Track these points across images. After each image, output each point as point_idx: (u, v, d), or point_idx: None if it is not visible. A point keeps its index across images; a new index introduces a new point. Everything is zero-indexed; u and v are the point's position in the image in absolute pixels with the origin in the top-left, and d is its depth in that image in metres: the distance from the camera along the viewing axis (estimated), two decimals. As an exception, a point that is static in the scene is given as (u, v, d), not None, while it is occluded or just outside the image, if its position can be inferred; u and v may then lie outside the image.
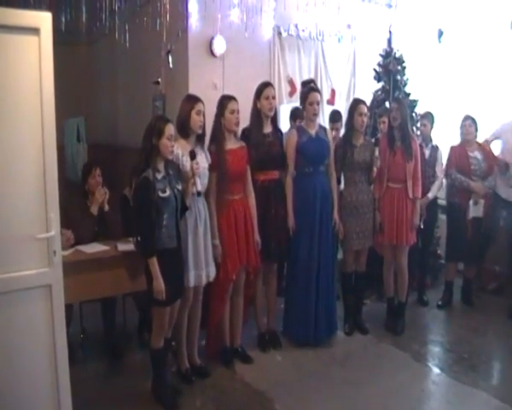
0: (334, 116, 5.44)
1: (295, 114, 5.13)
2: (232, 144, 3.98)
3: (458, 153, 5.29)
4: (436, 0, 6.54)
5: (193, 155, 3.56)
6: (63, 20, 5.61)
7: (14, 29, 2.72)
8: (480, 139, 5.36)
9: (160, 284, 3.30)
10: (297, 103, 5.03)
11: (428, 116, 5.52)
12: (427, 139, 5.50)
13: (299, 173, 4.36)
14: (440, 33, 6.48)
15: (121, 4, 5.60)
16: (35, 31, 2.78)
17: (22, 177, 2.81)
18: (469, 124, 5.22)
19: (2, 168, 2.74)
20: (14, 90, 2.76)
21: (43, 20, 2.82)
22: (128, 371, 4.09)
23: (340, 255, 4.84)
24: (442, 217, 5.73)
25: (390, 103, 5.71)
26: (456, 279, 5.51)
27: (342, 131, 5.26)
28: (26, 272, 2.81)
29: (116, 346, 4.31)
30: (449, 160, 5.37)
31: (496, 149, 5.42)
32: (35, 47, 2.80)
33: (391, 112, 4.71)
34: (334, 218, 4.44)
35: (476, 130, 5.26)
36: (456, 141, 5.42)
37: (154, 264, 3.30)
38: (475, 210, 5.20)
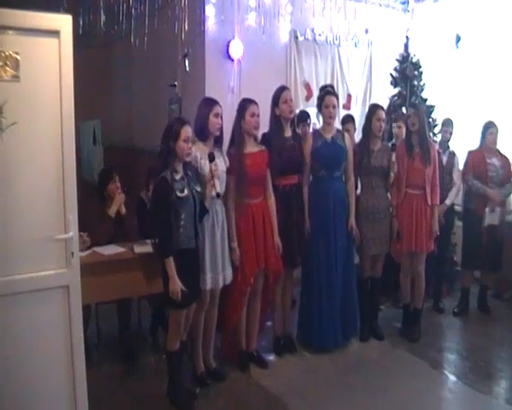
0: (344, 119, 5.45)
1: (301, 118, 5.11)
2: (252, 148, 3.98)
3: (476, 158, 5.25)
4: (453, 5, 6.50)
5: (212, 157, 3.57)
6: (81, 23, 5.65)
7: (35, 31, 2.76)
8: (500, 146, 5.30)
9: (176, 284, 3.30)
10: (313, 108, 5.02)
11: (450, 123, 5.49)
12: (444, 146, 5.47)
13: (314, 178, 4.36)
14: (458, 38, 6.44)
15: (138, 7, 5.61)
16: (55, 33, 2.81)
17: (41, 178, 2.84)
18: (495, 132, 5.18)
19: (21, 170, 2.77)
20: (34, 91, 2.79)
21: (64, 22, 2.85)
22: (143, 373, 4.10)
23: (356, 261, 4.81)
24: (458, 223, 5.68)
25: (406, 109, 5.69)
26: (472, 287, 5.46)
27: (355, 134, 5.27)
28: (44, 273, 2.83)
29: (131, 348, 4.32)
30: (466, 164, 5.33)
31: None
32: (55, 49, 2.83)
33: (408, 117, 4.68)
34: (350, 223, 4.41)
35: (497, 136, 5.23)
36: (474, 146, 5.38)
37: (171, 264, 3.30)
38: (491, 217, 5.15)
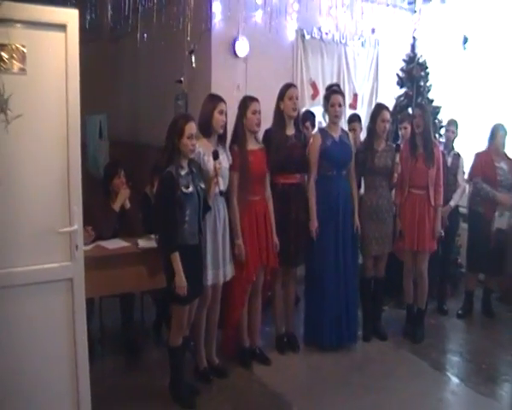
0: (351, 118, 5.44)
1: (305, 118, 5.08)
2: (253, 145, 3.98)
3: (484, 161, 5.22)
4: (461, 6, 6.48)
5: (216, 155, 3.57)
6: (87, 17, 5.65)
7: (41, 25, 2.77)
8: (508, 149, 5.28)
9: (181, 279, 3.30)
10: (319, 107, 5.01)
11: (454, 123, 5.47)
12: (449, 147, 5.45)
13: (322, 177, 4.32)
14: (465, 39, 6.42)
15: (145, 3, 5.61)
16: (62, 27, 2.81)
17: (46, 171, 2.85)
18: (502, 135, 5.15)
19: (26, 162, 2.78)
20: (40, 85, 2.80)
21: (70, 16, 2.85)
22: (145, 368, 4.10)
23: (359, 261, 4.80)
24: (463, 225, 5.65)
25: (413, 109, 5.68)
26: (476, 289, 5.44)
27: (361, 133, 5.25)
28: (48, 266, 2.84)
29: (133, 342, 4.33)
30: (474, 167, 5.30)
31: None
32: (61, 43, 2.83)
33: (414, 118, 4.66)
34: (356, 222, 4.40)
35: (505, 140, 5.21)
36: (481, 148, 5.35)
37: (177, 259, 3.30)
38: (500, 222, 5.13)
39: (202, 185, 3.49)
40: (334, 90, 4.37)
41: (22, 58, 2.72)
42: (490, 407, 3.74)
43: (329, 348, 4.36)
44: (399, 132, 5.34)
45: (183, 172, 3.37)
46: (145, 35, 5.58)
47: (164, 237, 3.40)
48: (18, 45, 2.70)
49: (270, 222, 4.06)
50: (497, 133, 5.18)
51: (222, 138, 3.82)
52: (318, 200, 4.27)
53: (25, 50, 2.72)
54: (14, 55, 2.70)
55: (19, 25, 2.70)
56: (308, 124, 5.07)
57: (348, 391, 3.85)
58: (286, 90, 4.14)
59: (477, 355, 4.49)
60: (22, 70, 2.73)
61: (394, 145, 4.66)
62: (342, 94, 4.45)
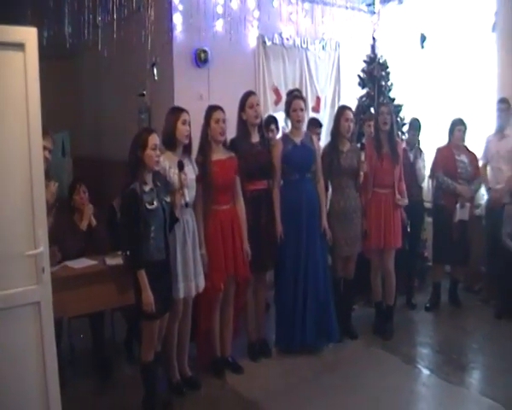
0: (314, 123, 5.49)
1: (268, 122, 5.13)
2: (220, 155, 3.98)
3: (445, 155, 5.36)
4: (418, 6, 6.62)
5: (181, 166, 3.57)
6: (46, 34, 5.59)
7: (-1, 45, 2.72)
8: (467, 143, 5.42)
9: (148, 296, 3.30)
10: (282, 112, 5.06)
11: (417, 126, 5.57)
12: (411, 143, 5.55)
13: (286, 181, 4.38)
14: (423, 38, 6.56)
15: (105, 17, 5.59)
16: (20, 46, 2.77)
17: (9, 194, 2.80)
18: (461, 129, 5.29)
19: (-11, 186, 2.73)
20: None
21: (29, 35, 2.80)
22: (118, 385, 4.05)
23: (328, 262, 4.86)
24: (428, 219, 5.79)
25: (375, 109, 5.78)
26: (443, 280, 5.57)
27: (323, 138, 5.33)
28: (14, 290, 2.78)
29: (105, 360, 4.26)
30: (435, 162, 5.44)
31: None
32: (20, 62, 2.78)
33: (381, 115, 4.69)
34: (323, 224, 4.45)
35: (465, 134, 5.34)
36: (442, 143, 5.48)
37: (143, 276, 3.30)
38: (462, 213, 5.26)
39: (167, 199, 3.48)
40: (295, 96, 4.45)
41: (-21, 80, 2.69)
42: (460, 395, 3.84)
43: (300, 351, 4.39)
44: (365, 130, 5.41)
45: (146, 188, 3.36)
46: (105, 50, 5.52)
47: (130, 254, 3.39)
48: (-26, 67, 2.66)
49: (240, 230, 4.07)
50: (456, 128, 5.31)
51: (187, 150, 3.82)
52: (283, 204, 4.31)
53: (-18, 72, 2.68)
54: (-29, 77, 2.67)
55: (-26, 46, 2.66)
56: (273, 127, 5.11)
57: (322, 393, 3.88)
58: (246, 100, 4.18)
59: (446, 346, 4.60)
60: (-20, 93, 2.70)
61: (359, 145, 4.73)
62: (303, 99, 4.53)
